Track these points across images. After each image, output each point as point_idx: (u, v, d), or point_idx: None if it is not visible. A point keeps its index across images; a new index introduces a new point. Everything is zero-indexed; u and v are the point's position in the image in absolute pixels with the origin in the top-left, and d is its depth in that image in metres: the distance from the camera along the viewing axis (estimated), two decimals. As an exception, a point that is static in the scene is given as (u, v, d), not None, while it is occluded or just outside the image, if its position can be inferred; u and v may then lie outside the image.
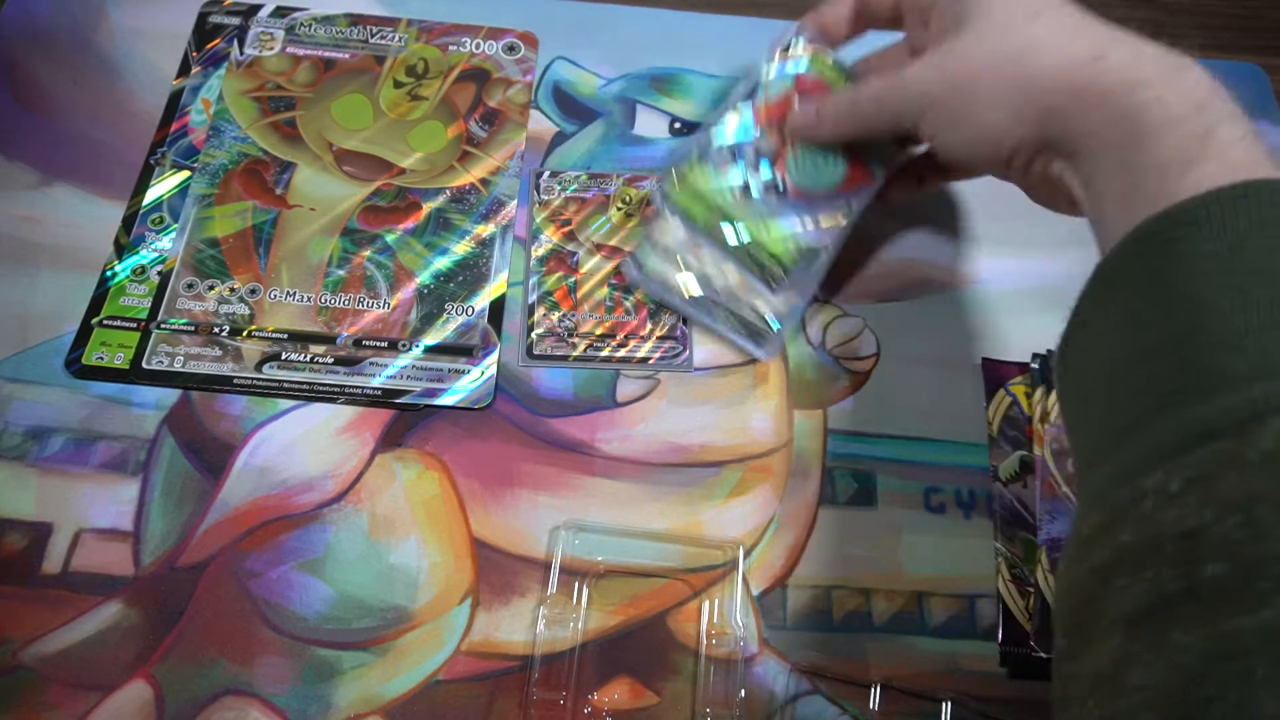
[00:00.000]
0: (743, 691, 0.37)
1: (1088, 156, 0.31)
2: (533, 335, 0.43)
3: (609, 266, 0.45)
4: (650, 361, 0.43)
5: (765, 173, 0.42)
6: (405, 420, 0.41)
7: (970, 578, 0.40)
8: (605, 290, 0.45)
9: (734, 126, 0.43)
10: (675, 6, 0.55)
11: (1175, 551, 0.22)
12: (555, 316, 0.44)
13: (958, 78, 0.34)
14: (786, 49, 0.43)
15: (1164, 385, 0.25)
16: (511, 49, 0.51)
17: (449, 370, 0.42)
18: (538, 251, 0.45)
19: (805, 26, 0.43)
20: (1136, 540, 0.23)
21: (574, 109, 0.50)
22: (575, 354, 0.43)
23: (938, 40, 0.36)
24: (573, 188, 0.47)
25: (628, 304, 0.44)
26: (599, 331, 0.44)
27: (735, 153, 0.42)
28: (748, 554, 0.40)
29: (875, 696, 0.37)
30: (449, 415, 0.42)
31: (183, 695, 0.35)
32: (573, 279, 0.45)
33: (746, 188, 0.42)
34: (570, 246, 0.46)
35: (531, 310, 0.44)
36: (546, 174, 0.48)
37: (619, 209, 0.47)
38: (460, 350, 0.43)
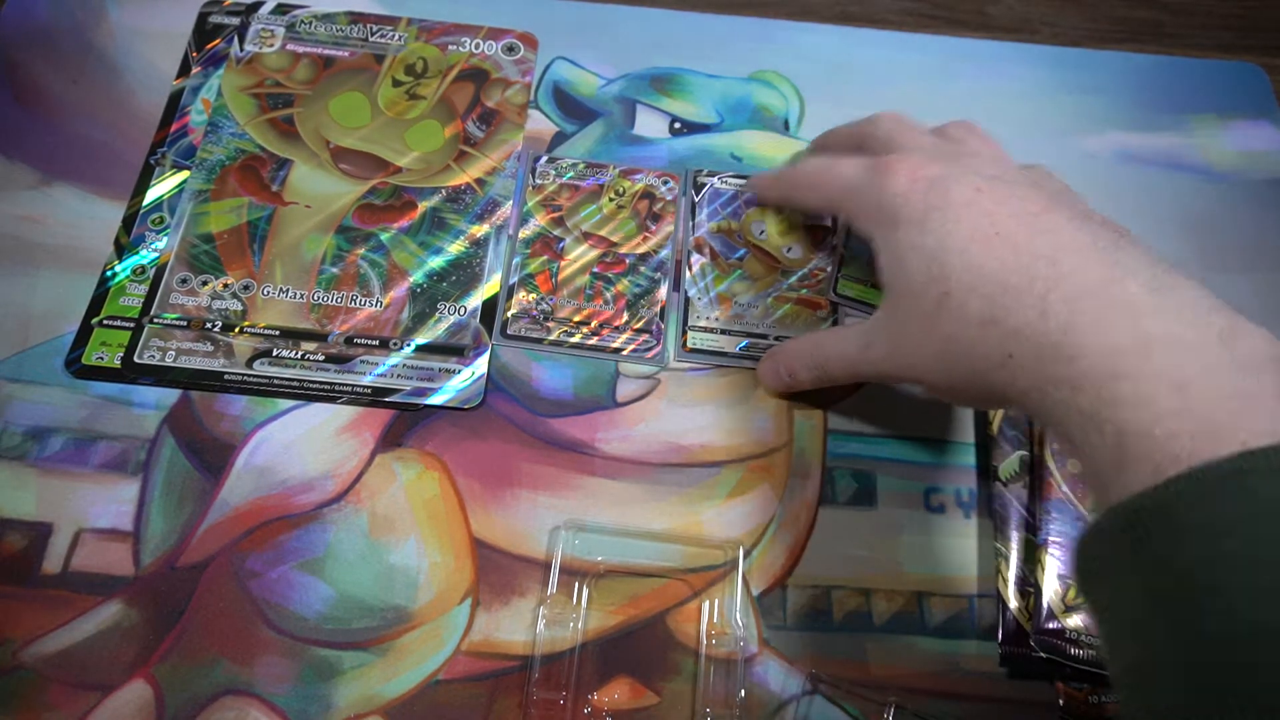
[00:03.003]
0: (743, 691, 0.37)
1: (1053, 436, 0.30)
2: (508, 314, 0.44)
3: (593, 255, 0.45)
4: (623, 353, 0.43)
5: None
6: (405, 420, 0.41)
7: (970, 578, 0.40)
8: (587, 278, 0.45)
9: None
10: (675, 6, 0.55)
11: None
12: (533, 298, 0.44)
13: (906, 365, 0.34)
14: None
15: (1167, 705, 0.23)
16: (511, 49, 0.51)
17: (440, 370, 0.42)
18: (524, 233, 0.46)
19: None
20: None
21: (574, 109, 0.50)
22: (550, 338, 0.43)
23: (885, 290, 0.35)
24: (569, 174, 0.48)
25: (608, 294, 0.44)
26: (576, 319, 0.44)
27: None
28: (748, 554, 0.40)
29: (889, 716, 0.37)
30: (449, 415, 0.42)
31: (183, 695, 0.35)
32: (556, 264, 0.45)
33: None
34: (558, 232, 0.46)
35: (511, 291, 0.44)
36: (544, 159, 0.48)
37: (611, 200, 0.47)
38: (451, 350, 0.43)
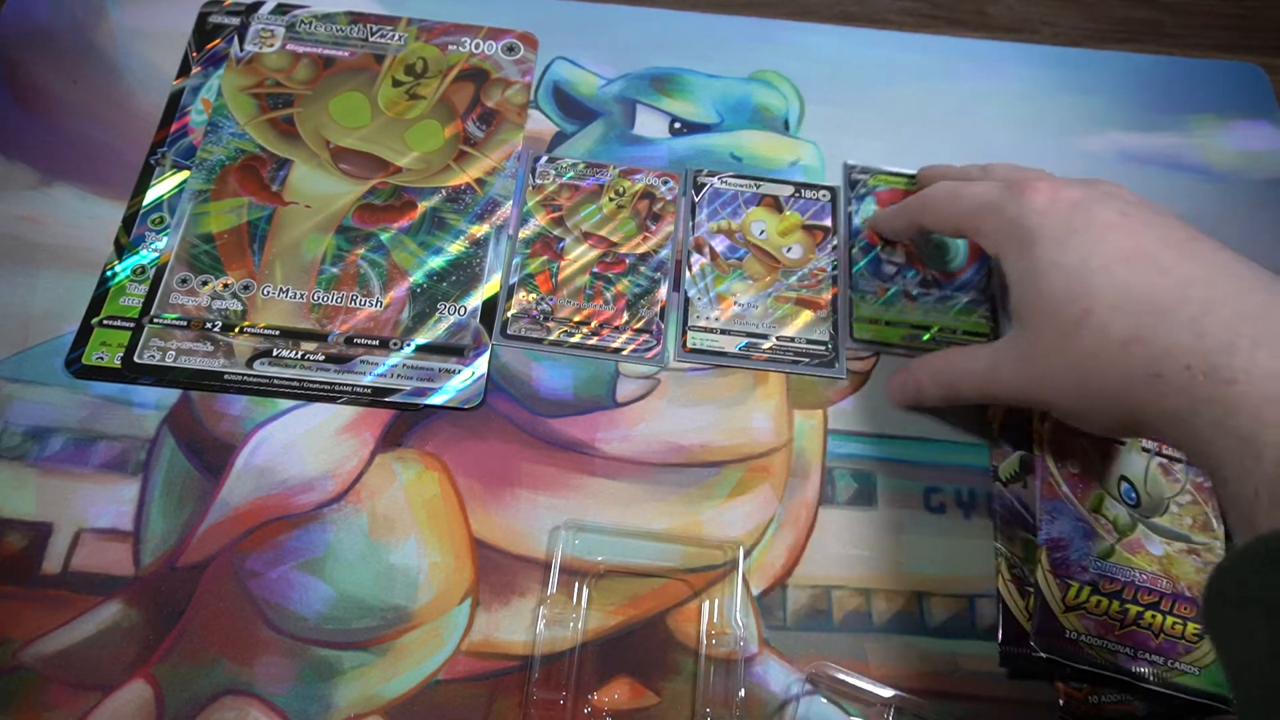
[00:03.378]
0: (742, 691, 0.37)
1: (1191, 458, 0.29)
2: (508, 315, 0.44)
3: (593, 255, 0.45)
4: (624, 353, 0.43)
5: (910, 274, 0.46)
6: (405, 420, 0.41)
7: (970, 578, 0.40)
8: (587, 278, 0.45)
9: (861, 257, 0.46)
10: (675, 6, 0.55)
11: None
12: (533, 298, 0.44)
13: (1038, 387, 0.33)
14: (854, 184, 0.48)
15: None
16: (511, 49, 0.51)
17: (439, 370, 0.42)
18: (524, 233, 0.46)
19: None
20: None
21: (574, 109, 0.50)
22: (550, 338, 0.43)
23: (1016, 308, 0.34)
24: (569, 174, 0.47)
25: (608, 294, 0.44)
26: (576, 319, 0.44)
27: (879, 274, 0.46)
28: (748, 554, 0.40)
29: (889, 717, 0.37)
30: (449, 415, 0.42)
31: (183, 695, 0.35)
32: (556, 264, 0.45)
33: (909, 294, 0.45)
34: (557, 232, 0.46)
35: (511, 291, 0.44)
36: (544, 159, 0.48)
37: (611, 200, 0.47)
38: (451, 350, 0.43)
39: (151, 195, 0.46)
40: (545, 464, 0.41)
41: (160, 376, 0.41)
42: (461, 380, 0.42)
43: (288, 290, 0.44)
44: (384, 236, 0.45)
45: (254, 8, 0.51)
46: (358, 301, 0.44)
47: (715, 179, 0.48)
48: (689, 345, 0.44)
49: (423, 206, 0.46)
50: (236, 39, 0.50)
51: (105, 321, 0.42)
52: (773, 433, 0.42)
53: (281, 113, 0.48)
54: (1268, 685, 0.24)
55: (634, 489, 0.41)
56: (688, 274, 0.45)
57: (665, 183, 0.48)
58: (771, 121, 0.51)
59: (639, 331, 0.44)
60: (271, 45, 0.50)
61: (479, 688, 0.37)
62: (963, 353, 0.39)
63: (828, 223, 0.47)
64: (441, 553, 0.39)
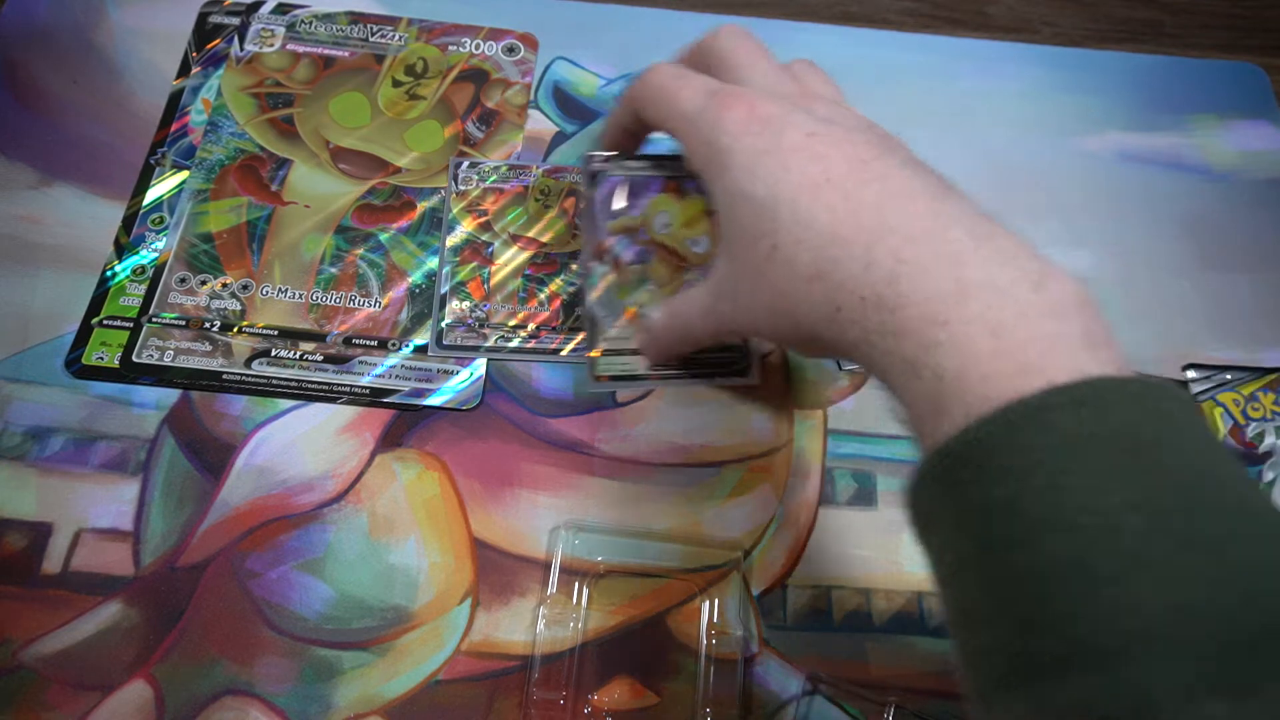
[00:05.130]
0: (743, 692, 0.37)
1: (879, 377, 0.29)
2: (442, 325, 0.43)
3: (523, 258, 0.45)
4: (562, 354, 0.43)
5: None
6: (405, 420, 0.41)
7: (970, 577, 0.40)
8: (519, 281, 0.44)
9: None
10: (675, 6, 0.55)
11: None
12: (466, 306, 0.43)
13: (752, 323, 0.33)
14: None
15: (986, 642, 0.23)
16: (511, 50, 0.51)
17: (438, 370, 0.42)
18: (452, 241, 0.45)
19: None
20: None
21: (574, 109, 0.50)
22: (487, 345, 0.43)
23: (721, 231, 0.34)
24: (492, 179, 0.47)
25: (541, 295, 0.44)
26: (511, 323, 0.43)
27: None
28: (748, 554, 0.40)
29: (889, 716, 0.37)
30: (449, 415, 0.42)
31: (183, 695, 0.35)
32: (486, 270, 0.44)
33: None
34: (486, 237, 0.45)
35: (443, 302, 0.44)
36: (465, 164, 0.47)
37: (537, 200, 0.46)
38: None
39: (151, 195, 0.46)
40: (545, 464, 0.41)
41: (159, 376, 0.41)
42: (460, 381, 0.42)
43: (287, 290, 0.44)
44: (383, 237, 0.45)
45: (254, 7, 0.51)
46: (356, 302, 0.44)
47: (611, 165, 0.41)
48: (599, 374, 0.41)
49: (422, 207, 0.46)
50: (236, 39, 0.50)
51: (105, 321, 0.42)
52: (773, 433, 0.42)
53: (281, 112, 0.48)
54: (952, 602, 0.25)
55: (634, 489, 0.41)
56: (591, 293, 0.41)
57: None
58: (771, 121, 0.51)
59: (576, 330, 0.43)
60: (272, 45, 0.50)
61: (479, 688, 0.37)
62: (685, 299, 0.37)
63: None
64: (441, 553, 0.39)
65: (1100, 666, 0.20)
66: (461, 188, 0.46)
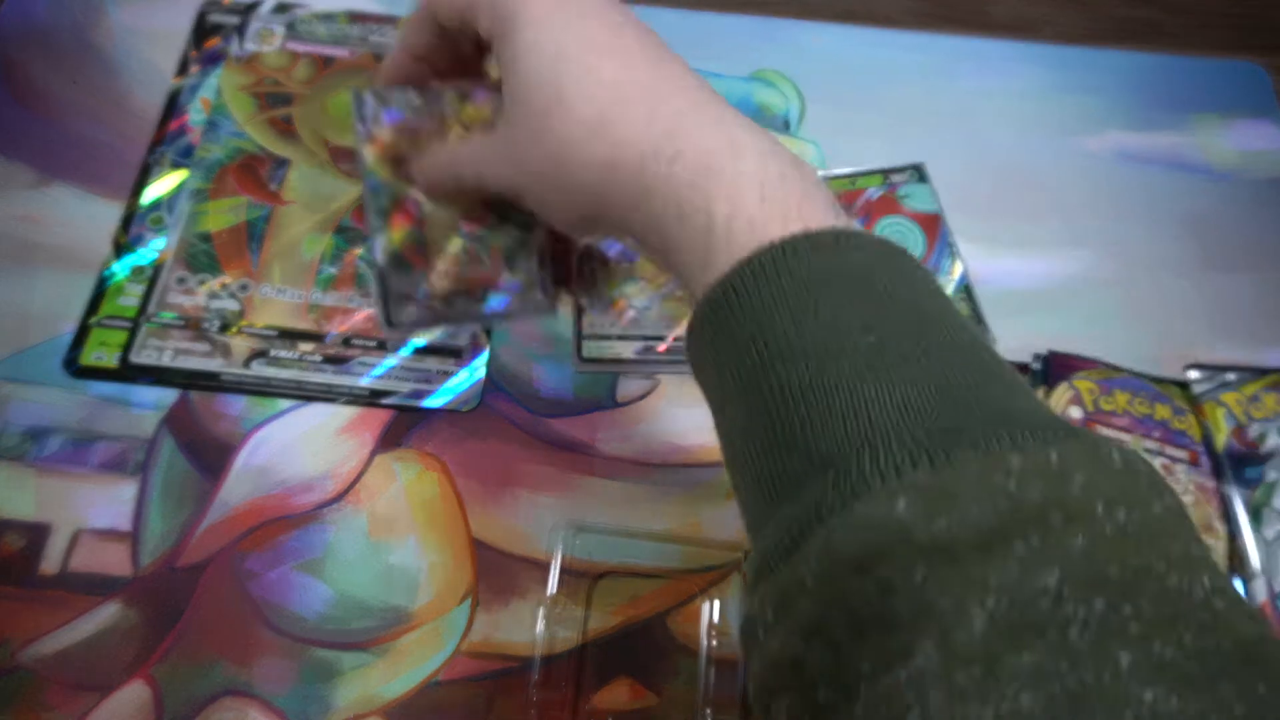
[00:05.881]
0: (744, 692, 0.37)
1: (653, 256, 0.31)
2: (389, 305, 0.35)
3: (455, 209, 0.36)
4: (510, 317, 0.36)
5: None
6: (405, 421, 0.41)
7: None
8: (459, 241, 0.36)
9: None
10: (675, 6, 0.55)
11: (792, 680, 0.22)
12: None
13: (519, 170, 0.33)
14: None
15: (756, 489, 0.25)
16: (511, 48, 0.51)
17: (437, 371, 0.42)
18: (383, 203, 0.36)
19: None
20: (763, 670, 0.23)
21: (574, 108, 0.50)
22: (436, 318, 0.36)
23: (504, 100, 0.33)
24: (404, 109, 0.36)
25: (484, 256, 0.36)
26: (457, 290, 0.36)
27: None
28: (748, 554, 0.39)
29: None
30: (449, 416, 0.42)
31: (182, 696, 0.35)
32: (419, 232, 0.36)
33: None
34: (411, 192, 0.36)
35: (384, 276, 0.35)
36: (370, 99, 0.36)
37: (460, 135, 0.36)
38: (448, 351, 0.43)
39: (150, 195, 0.46)
40: (545, 464, 0.41)
41: (157, 376, 0.41)
42: (459, 382, 0.42)
43: (285, 290, 0.43)
44: (383, 236, 0.45)
45: (253, 7, 0.51)
46: (355, 302, 0.43)
47: (392, 94, 0.37)
48: (585, 354, 0.43)
49: (422, 206, 0.46)
50: (236, 38, 0.50)
51: (103, 321, 0.42)
52: (773, 433, 0.42)
53: (280, 112, 0.48)
54: (723, 443, 0.27)
55: (634, 489, 0.41)
56: (380, 252, 0.35)
57: None
58: (772, 121, 0.51)
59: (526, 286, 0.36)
60: (271, 44, 0.50)
61: (479, 688, 0.36)
62: (464, 143, 0.36)
63: None
64: (441, 553, 0.39)
65: (831, 466, 0.22)
66: (371, 130, 0.36)
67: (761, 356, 0.25)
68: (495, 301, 0.36)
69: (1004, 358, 0.25)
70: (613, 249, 0.41)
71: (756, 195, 0.27)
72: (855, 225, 0.27)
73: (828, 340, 0.24)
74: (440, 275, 0.36)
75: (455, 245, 0.36)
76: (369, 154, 0.36)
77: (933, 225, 0.47)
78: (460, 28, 0.36)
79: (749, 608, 0.23)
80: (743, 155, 0.28)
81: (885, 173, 0.49)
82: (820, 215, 0.26)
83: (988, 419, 0.22)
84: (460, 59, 0.38)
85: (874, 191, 0.48)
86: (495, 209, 0.36)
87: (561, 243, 0.38)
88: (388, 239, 0.35)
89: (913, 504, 0.20)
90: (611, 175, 0.30)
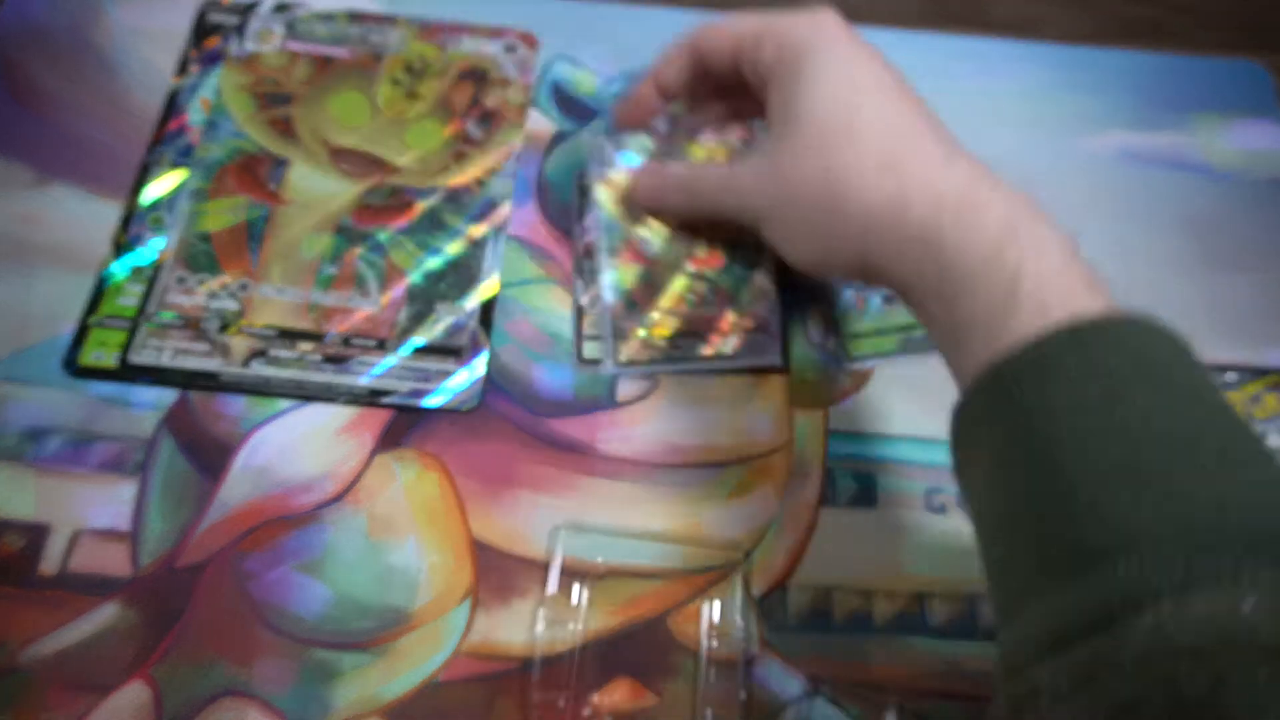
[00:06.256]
0: (743, 693, 0.37)
1: (913, 301, 0.30)
2: (641, 335, 0.38)
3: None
4: (737, 359, 0.38)
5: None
6: (404, 420, 0.41)
7: (972, 579, 0.40)
8: (685, 280, 0.38)
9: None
10: (675, 6, 0.55)
11: None
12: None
13: (780, 195, 0.33)
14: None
15: (1037, 555, 0.24)
16: (511, 49, 0.51)
17: (436, 371, 0.42)
18: (614, 242, 0.37)
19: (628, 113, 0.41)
20: None
21: (574, 108, 0.50)
22: (661, 357, 0.38)
23: (773, 130, 0.34)
24: (638, 155, 0.38)
25: (709, 295, 0.38)
26: (682, 329, 0.38)
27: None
28: (748, 555, 0.39)
29: (890, 718, 0.37)
30: (448, 415, 0.41)
31: (181, 696, 0.35)
32: (648, 271, 0.38)
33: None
34: (641, 231, 0.38)
35: (613, 315, 0.38)
36: (607, 144, 0.38)
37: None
38: (449, 351, 0.43)
39: (149, 194, 0.45)
40: (545, 464, 0.41)
41: (157, 376, 0.41)
42: (459, 382, 0.42)
43: (285, 290, 0.43)
44: (382, 236, 0.45)
45: (253, 6, 0.51)
46: (355, 302, 0.43)
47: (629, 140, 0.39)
48: (584, 355, 0.41)
49: (421, 206, 0.46)
50: (235, 37, 0.50)
51: (103, 321, 0.42)
52: (773, 433, 0.42)
53: (280, 111, 0.48)
54: (988, 510, 0.27)
55: (634, 489, 0.41)
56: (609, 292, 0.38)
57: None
58: (772, 120, 0.51)
59: (750, 331, 0.38)
60: (270, 44, 0.50)
61: (478, 689, 0.36)
62: (709, 166, 0.38)
63: None
64: (441, 553, 0.39)
65: (1147, 549, 0.22)
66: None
67: (1072, 427, 0.24)
68: (723, 343, 0.37)
69: None
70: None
71: (1060, 261, 0.27)
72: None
73: (1138, 428, 0.23)
74: (666, 314, 0.37)
75: (681, 284, 0.37)
76: (603, 194, 0.36)
77: None
78: (729, 61, 0.36)
79: (1026, 678, 0.23)
80: (1039, 220, 0.28)
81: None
82: (1105, 290, 0.27)
83: None
84: (708, 94, 0.39)
85: None
86: (724, 248, 0.37)
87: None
88: (617, 277, 0.36)
89: (1261, 605, 0.20)
90: (898, 213, 0.29)
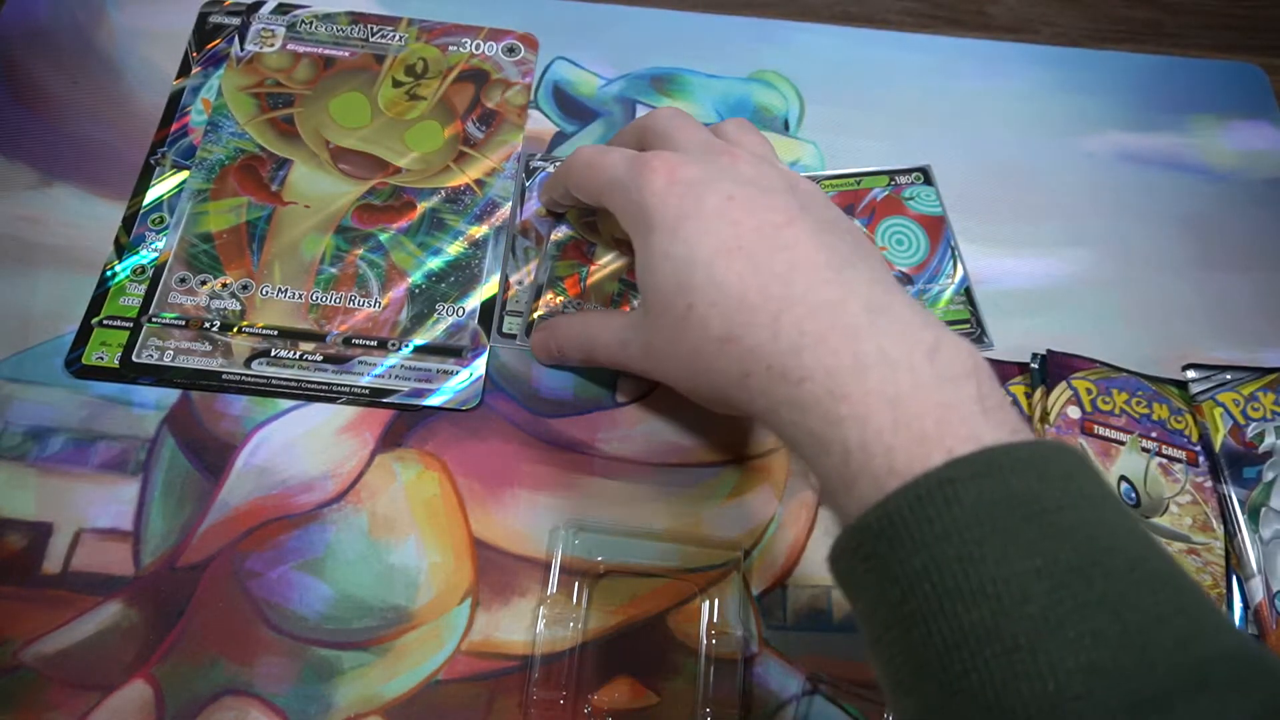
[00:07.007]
0: (743, 691, 0.37)
1: (789, 446, 0.31)
2: (534, 316, 0.43)
3: (624, 262, 0.44)
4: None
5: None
6: (405, 420, 0.41)
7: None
8: (616, 285, 0.43)
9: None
10: (675, 6, 0.55)
11: None
12: (560, 301, 0.43)
13: (657, 368, 0.35)
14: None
15: (915, 703, 0.24)
16: (511, 50, 0.51)
17: (437, 371, 0.42)
18: (556, 236, 0.44)
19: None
20: None
21: (574, 109, 0.50)
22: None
23: (640, 294, 0.35)
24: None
25: (635, 301, 0.43)
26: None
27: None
28: (748, 554, 0.40)
29: (889, 717, 0.37)
30: (449, 415, 0.42)
31: (183, 695, 0.35)
32: (585, 268, 0.44)
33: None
34: (591, 237, 0.44)
35: (539, 292, 0.43)
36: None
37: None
38: (449, 351, 0.43)
39: (151, 195, 0.46)
40: (545, 464, 0.41)
41: (158, 376, 0.41)
42: (459, 381, 0.42)
43: (286, 290, 0.44)
44: (383, 237, 0.45)
45: (254, 7, 0.51)
46: (356, 302, 0.44)
47: (549, 165, 0.44)
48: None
49: (422, 207, 0.46)
50: (237, 39, 0.50)
51: (105, 321, 0.42)
52: (773, 433, 0.42)
53: (281, 112, 0.48)
54: (879, 665, 0.26)
55: (634, 489, 0.41)
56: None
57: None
58: (771, 122, 0.51)
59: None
60: (272, 45, 0.50)
61: (479, 688, 0.37)
62: (601, 320, 0.39)
63: None
64: (441, 553, 0.39)
65: None
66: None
67: (922, 597, 0.24)
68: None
69: (1179, 564, 0.25)
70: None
71: (889, 420, 0.26)
72: (1007, 419, 0.26)
73: (995, 586, 0.23)
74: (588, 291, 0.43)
75: (613, 287, 0.43)
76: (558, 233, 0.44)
77: (937, 228, 0.47)
78: (599, 203, 0.38)
79: None
80: (867, 372, 0.27)
81: (891, 174, 0.49)
82: (965, 426, 0.25)
83: (1181, 678, 0.22)
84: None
85: (879, 192, 0.48)
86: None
87: None
88: (554, 269, 0.43)
89: None
90: (742, 386, 0.30)
